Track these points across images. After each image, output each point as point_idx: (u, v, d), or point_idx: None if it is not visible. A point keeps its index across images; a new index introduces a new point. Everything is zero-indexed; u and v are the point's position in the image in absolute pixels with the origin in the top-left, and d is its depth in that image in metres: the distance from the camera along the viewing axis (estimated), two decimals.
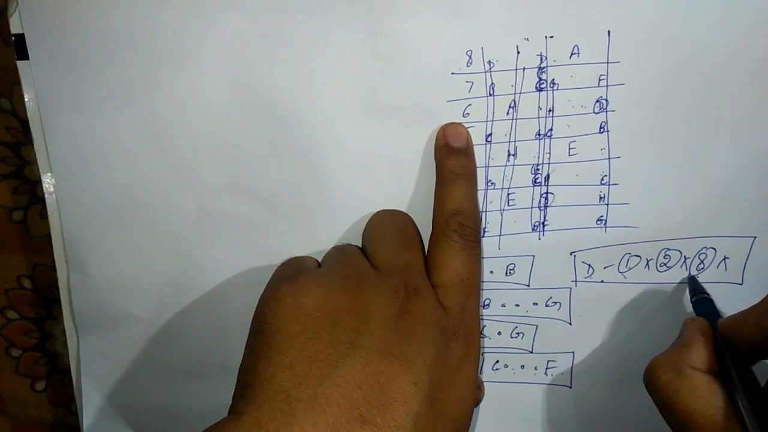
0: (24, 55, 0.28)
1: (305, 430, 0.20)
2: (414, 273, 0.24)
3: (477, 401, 0.29)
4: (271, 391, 0.21)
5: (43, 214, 0.32)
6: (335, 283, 0.23)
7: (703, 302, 0.26)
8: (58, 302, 0.31)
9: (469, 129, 0.27)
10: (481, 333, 0.29)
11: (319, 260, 0.27)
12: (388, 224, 0.27)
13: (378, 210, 0.28)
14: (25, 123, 0.30)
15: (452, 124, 0.27)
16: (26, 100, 0.28)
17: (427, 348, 0.22)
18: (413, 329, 0.23)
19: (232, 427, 0.20)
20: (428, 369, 0.22)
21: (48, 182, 0.29)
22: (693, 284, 0.27)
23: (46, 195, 0.29)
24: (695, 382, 0.23)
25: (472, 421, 0.29)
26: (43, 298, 0.34)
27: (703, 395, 0.22)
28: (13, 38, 0.28)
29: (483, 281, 0.28)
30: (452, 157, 0.26)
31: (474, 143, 0.27)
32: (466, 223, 0.26)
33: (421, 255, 0.26)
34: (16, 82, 0.28)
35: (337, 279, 0.24)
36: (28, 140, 0.29)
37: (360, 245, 0.27)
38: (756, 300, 0.23)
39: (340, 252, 0.26)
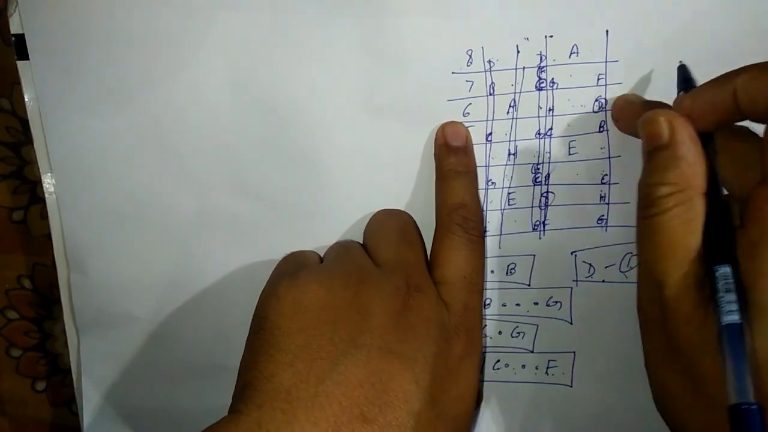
0: (24, 56, 0.28)
1: (306, 430, 0.20)
2: (416, 270, 0.24)
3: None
4: (271, 390, 0.21)
5: (43, 214, 0.32)
6: (336, 280, 0.23)
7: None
8: (58, 302, 0.31)
9: (469, 128, 0.27)
10: (483, 330, 0.29)
11: (321, 255, 0.27)
12: (390, 222, 0.27)
13: (379, 209, 0.28)
14: (25, 123, 0.30)
15: (451, 123, 0.26)
16: (26, 100, 0.28)
17: (428, 345, 0.22)
18: (414, 326, 0.22)
19: (233, 427, 0.20)
20: (429, 367, 0.22)
21: (48, 182, 0.29)
22: (684, 76, 0.24)
23: (46, 195, 0.29)
24: (699, 213, 0.20)
25: (473, 421, 0.29)
26: (43, 298, 0.34)
27: (699, 226, 0.20)
28: (13, 38, 0.28)
29: (484, 281, 0.28)
30: (452, 155, 0.26)
31: (474, 142, 0.27)
32: (470, 217, 0.26)
33: (423, 253, 0.26)
34: (16, 82, 0.28)
35: (338, 275, 0.24)
36: (28, 140, 0.29)
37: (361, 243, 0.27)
38: None
39: (342, 248, 0.26)
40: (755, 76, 0.20)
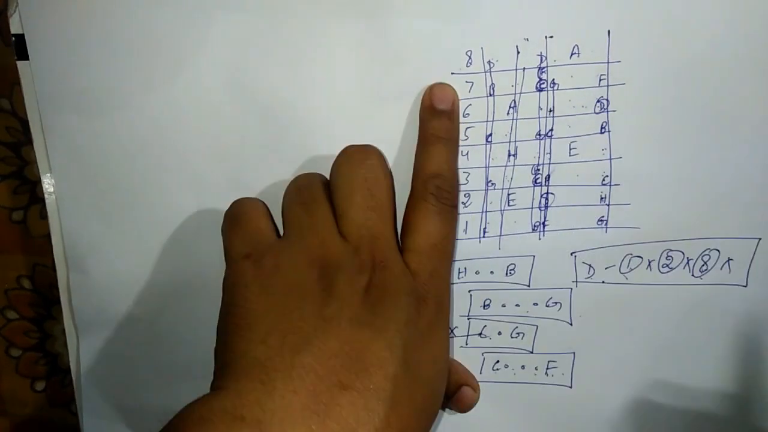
0: (24, 56, 0.28)
1: (286, 398, 0.20)
2: (381, 244, 0.24)
3: (472, 402, 0.29)
4: (246, 365, 0.21)
5: (43, 214, 0.32)
6: (301, 259, 0.23)
7: None
8: (58, 302, 0.31)
9: (469, 129, 0.27)
10: (481, 333, 0.29)
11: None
12: (357, 176, 0.25)
13: (348, 145, 0.26)
14: (25, 123, 0.30)
15: (440, 84, 0.26)
16: (26, 100, 0.28)
17: (398, 314, 0.23)
18: (382, 299, 0.23)
19: (213, 400, 0.21)
20: (400, 334, 0.22)
21: (48, 182, 0.29)
22: None
23: (45, 195, 0.29)
24: None
25: (473, 422, 0.29)
26: (43, 298, 0.34)
27: None
28: (13, 38, 0.28)
29: (483, 281, 0.28)
30: (435, 119, 0.26)
31: (474, 143, 0.27)
32: (444, 187, 0.26)
33: (391, 217, 0.26)
34: (16, 83, 0.28)
35: (302, 254, 0.24)
36: (28, 140, 0.29)
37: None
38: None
39: (305, 213, 0.25)
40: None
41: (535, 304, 0.28)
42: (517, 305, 0.28)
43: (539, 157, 0.27)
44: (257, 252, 0.24)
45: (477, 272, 0.28)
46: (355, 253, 0.24)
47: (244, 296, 0.23)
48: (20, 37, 0.28)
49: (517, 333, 0.29)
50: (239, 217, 0.26)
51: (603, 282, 0.28)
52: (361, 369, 0.21)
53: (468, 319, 0.29)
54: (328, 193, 0.26)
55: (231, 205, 0.27)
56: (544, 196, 0.27)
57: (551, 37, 0.25)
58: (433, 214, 0.25)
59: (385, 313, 0.22)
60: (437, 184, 0.25)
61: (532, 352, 0.29)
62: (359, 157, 0.26)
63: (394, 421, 0.21)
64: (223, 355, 0.23)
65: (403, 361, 0.22)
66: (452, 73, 0.26)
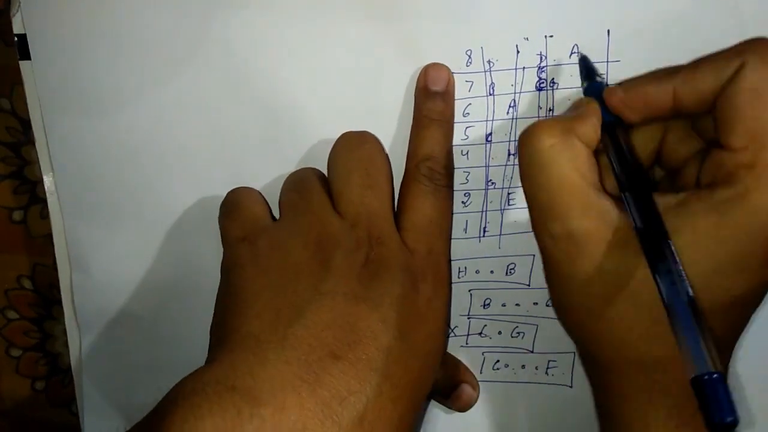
0: (26, 56, 0.28)
1: (278, 368, 0.20)
2: (378, 220, 0.24)
3: (471, 400, 0.29)
4: (239, 339, 0.22)
5: (44, 214, 0.32)
6: (296, 240, 0.24)
7: (595, 87, 0.24)
8: (59, 302, 0.31)
9: (469, 128, 0.27)
10: (481, 333, 0.29)
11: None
12: (354, 158, 0.26)
13: (345, 132, 0.27)
14: (25, 123, 0.30)
15: (435, 64, 0.26)
16: (28, 100, 0.28)
17: (393, 289, 0.23)
18: (378, 275, 0.23)
19: (206, 372, 0.21)
20: (396, 308, 0.22)
21: (49, 182, 0.29)
22: (586, 66, 0.25)
23: (47, 195, 0.29)
24: (578, 152, 0.22)
25: (473, 421, 0.29)
26: (44, 298, 0.34)
27: (582, 166, 0.22)
28: (16, 39, 0.28)
29: (483, 281, 0.28)
30: (429, 101, 0.26)
31: (474, 143, 0.27)
32: (436, 168, 0.26)
33: (388, 196, 0.26)
34: (16, 82, 0.29)
35: (297, 235, 0.24)
36: (28, 140, 0.30)
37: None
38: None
39: (299, 197, 0.25)
40: (692, 75, 0.22)
41: (536, 303, 0.28)
42: (517, 304, 0.28)
43: None
44: (252, 235, 0.25)
45: (477, 271, 0.28)
46: (351, 229, 0.24)
47: (240, 276, 0.23)
48: (22, 37, 0.28)
49: (518, 332, 0.29)
50: (234, 204, 0.27)
51: None
52: (354, 340, 0.21)
53: (468, 318, 0.29)
54: (323, 183, 0.26)
55: (226, 195, 0.27)
56: None
57: (551, 36, 0.26)
58: (427, 194, 0.25)
59: (380, 288, 0.23)
60: (429, 165, 0.26)
61: (532, 352, 0.29)
62: (356, 141, 0.26)
63: (387, 390, 0.21)
64: (218, 332, 0.23)
65: (398, 334, 0.22)
66: (452, 73, 0.26)
